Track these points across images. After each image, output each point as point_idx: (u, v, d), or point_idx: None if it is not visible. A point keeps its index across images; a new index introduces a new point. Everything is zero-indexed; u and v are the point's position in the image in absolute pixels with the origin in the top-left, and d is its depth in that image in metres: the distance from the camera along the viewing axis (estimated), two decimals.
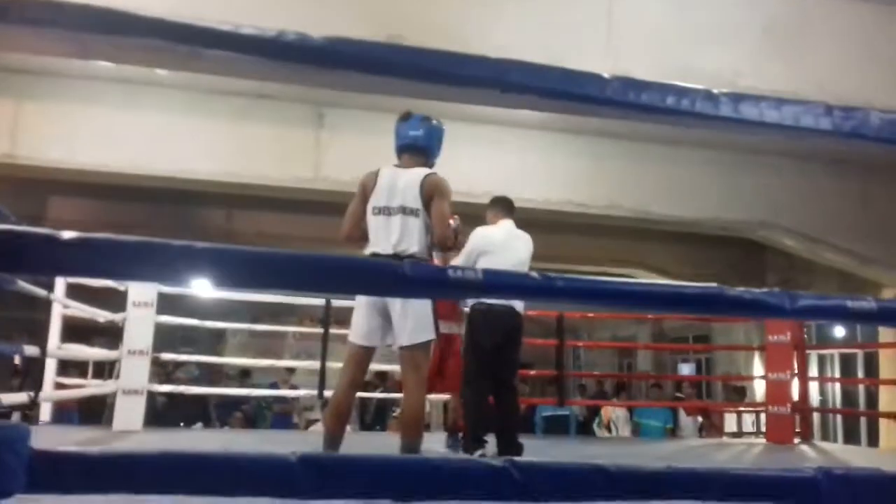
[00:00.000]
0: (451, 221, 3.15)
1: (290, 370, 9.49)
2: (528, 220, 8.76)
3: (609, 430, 8.43)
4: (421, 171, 3.15)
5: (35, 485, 0.93)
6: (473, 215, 9.05)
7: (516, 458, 1.11)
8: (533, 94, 1.17)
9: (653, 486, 1.14)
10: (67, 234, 1.00)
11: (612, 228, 9.36)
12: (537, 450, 4.66)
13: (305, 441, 4.24)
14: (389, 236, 3.03)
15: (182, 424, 7.21)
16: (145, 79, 6.76)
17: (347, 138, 7.39)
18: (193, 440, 5.48)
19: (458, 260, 4.13)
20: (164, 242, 1.13)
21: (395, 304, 2.97)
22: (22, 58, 6.37)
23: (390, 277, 1.13)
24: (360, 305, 3.07)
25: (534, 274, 1.18)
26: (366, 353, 3.11)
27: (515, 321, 4.17)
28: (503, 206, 4.57)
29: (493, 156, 7.74)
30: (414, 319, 2.96)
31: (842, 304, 1.30)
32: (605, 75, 1.19)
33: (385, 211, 3.07)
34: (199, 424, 7.75)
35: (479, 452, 4.01)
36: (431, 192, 3.08)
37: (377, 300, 2.98)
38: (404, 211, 3.05)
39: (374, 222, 3.09)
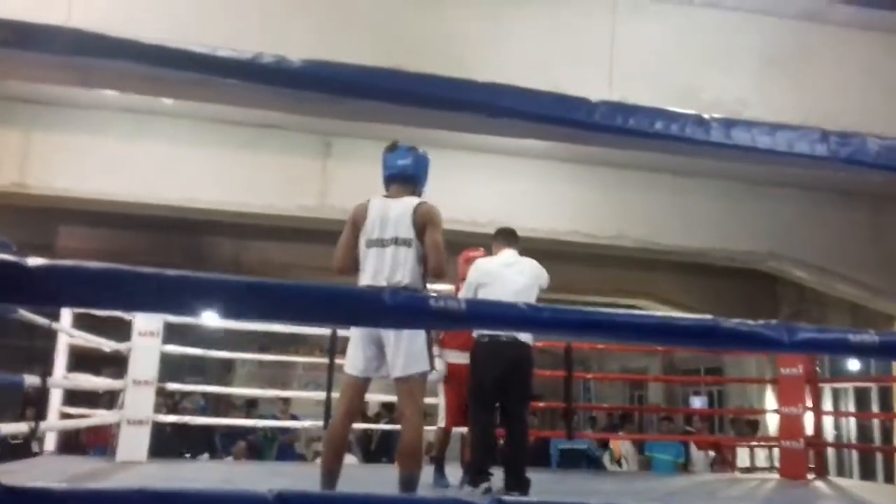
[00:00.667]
0: None
1: (286, 401, 9.44)
2: (534, 249, 8.71)
3: (620, 464, 8.29)
4: (412, 201, 3.15)
5: None
6: (478, 244, 9.08)
7: (505, 498, 1.06)
8: (521, 119, 1.15)
9: None
10: (64, 263, 0.97)
11: (620, 259, 9.31)
12: (546, 484, 4.57)
13: (307, 474, 4.17)
14: (383, 269, 3.02)
15: (188, 455, 7.14)
16: (153, 108, 6.82)
17: (354, 167, 7.41)
18: (196, 471, 5.42)
19: (461, 294, 4.18)
20: (153, 272, 1.10)
21: (389, 335, 2.96)
22: (31, 88, 6.45)
23: (371, 307, 1.10)
24: (355, 336, 3.08)
25: (520, 304, 1.14)
26: (362, 384, 3.09)
27: (520, 352, 4.07)
28: (504, 236, 4.59)
29: (498, 185, 7.74)
30: (407, 350, 2.94)
31: (843, 338, 1.25)
32: (593, 99, 1.17)
33: (378, 243, 3.07)
34: (206, 455, 7.68)
35: (483, 486, 3.96)
36: (424, 222, 3.07)
37: (371, 331, 2.96)
38: (397, 242, 3.05)
39: (367, 255, 3.09)
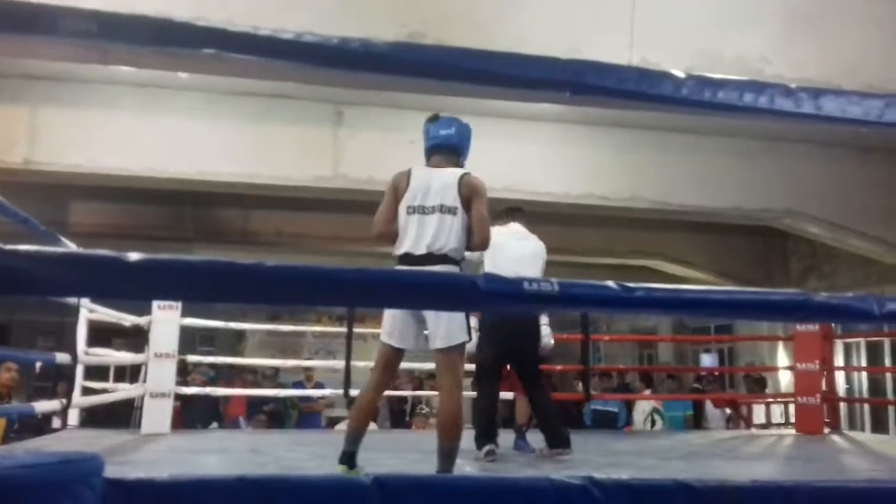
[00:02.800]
0: None
1: (309, 369, 9.51)
2: (549, 213, 8.75)
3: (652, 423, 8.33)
4: (456, 171, 3.14)
5: None
6: (492, 210, 9.00)
7: (595, 476, 1.07)
8: (605, 96, 1.13)
9: (738, 502, 1.10)
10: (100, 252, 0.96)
11: (633, 220, 9.28)
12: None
13: (329, 440, 4.22)
14: (424, 236, 3.00)
15: (199, 425, 7.22)
16: (163, 82, 6.75)
17: (366, 136, 7.36)
18: (222, 441, 5.48)
19: None
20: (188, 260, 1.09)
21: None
22: (38, 64, 6.38)
23: (463, 291, 1.09)
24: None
25: (612, 284, 1.14)
26: (397, 355, 3.09)
27: (518, 322, 4.30)
28: (510, 211, 4.85)
29: (511, 150, 7.68)
30: (448, 321, 2.91)
31: None
32: (680, 74, 1.15)
33: (420, 210, 3.05)
34: (215, 424, 7.77)
35: (486, 448, 4.13)
36: (470, 194, 3.06)
37: None
38: (442, 209, 3.03)
39: (408, 222, 3.06)
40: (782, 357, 10.09)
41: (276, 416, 8.75)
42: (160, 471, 1.04)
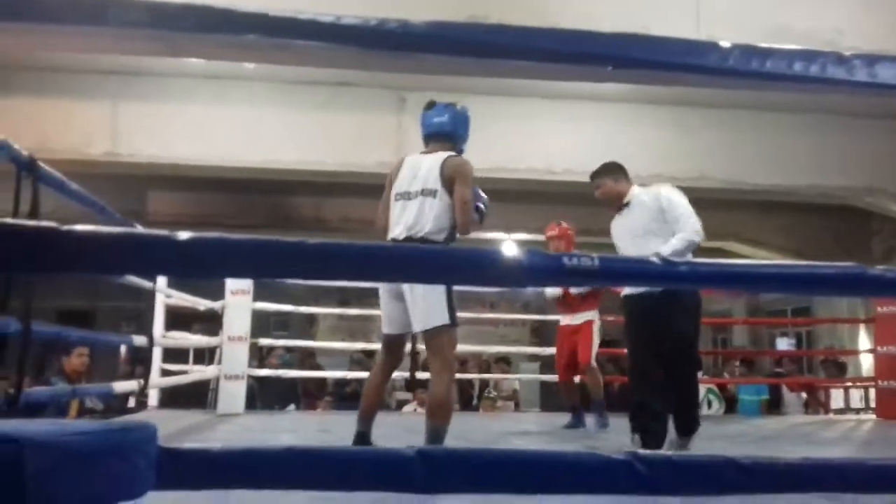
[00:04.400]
0: (479, 203, 3.19)
1: (370, 353, 9.61)
2: None
3: (709, 405, 8.18)
4: (442, 154, 3.14)
5: (164, 483, 0.95)
6: (553, 192, 8.95)
7: (640, 451, 1.06)
8: (650, 69, 1.11)
9: (789, 480, 1.08)
10: (183, 235, 1.00)
11: (703, 200, 9.03)
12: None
13: (393, 422, 4.28)
14: (405, 220, 3.03)
15: (277, 407, 7.42)
16: (233, 73, 6.94)
17: None
18: (293, 422, 5.64)
19: (698, 226, 3.57)
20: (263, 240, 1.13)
21: (407, 290, 2.97)
22: (116, 59, 6.64)
23: (506, 268, 1.10)
24: (382, 293, 3.12)
25: (653, 258, 1.12)
26: (395, 340, 3.14)
27: (645, 303, 3.58)
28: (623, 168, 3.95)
29: (574, 131, 7.59)
30: (425, 304, 2.93)
31: None
32: (725, 44, 1.12)
33: (405, 196, 3.09)
34: (292, 406, 7.96)
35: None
36: (452, 175, 3.05)
37: (394, 286, 2.99)
38: (423, 193, 3.04)
39: (394, 208, 3.11)
40: (864, 340, 9.69)
41: (359, 397, 8.89)
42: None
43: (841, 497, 2.44)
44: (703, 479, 1.06)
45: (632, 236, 3.69)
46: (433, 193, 3.02)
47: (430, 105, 3.34)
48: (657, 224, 3.60)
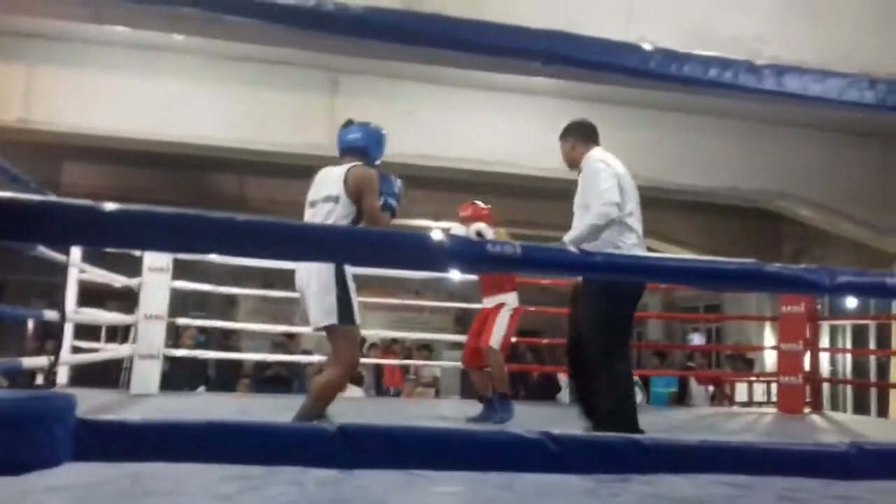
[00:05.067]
0: (389, 199, 3.40)
1: (291, 336, 9.55)
2: (546, 189, 8.76)
3: None
4: (347, 165, 3.31)
5: (82, 454, 0.95)
6: (485, 183, 9.01)
7: (553, 431, 1.11)
8: (574, 66, 1.15)
9: (687, 460, 1.15)
10: (108, 206, 0.99)
11: None
12: (560, 420, 4.69)
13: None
14: None
15: (186, 388, 7.27)
16: (161, 44, 6.73)
17: (363, 104, 7.34)
18: (208, 403, 5.55)
19: (606, 200, 3.33)
20: (190, 213, 1.13)
21: (305, 289, 3.19)
22: (34, 22, 6.35)
23: (428, 251, 1.13)
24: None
25: (573, 249, 1.18)
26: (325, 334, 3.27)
27: (577, 285, 3.60)
28: (592, 131, 3.75)
29: (506, 123, 7.69)
30: (316, 303, 3.14)
31: (880, 281, 1.29)
32: (647, 47, 1.18)
33: (311, 204, 3.32)
34: (202, 388, 7.84)
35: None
36: (358, 186, 3.22)
37: (299, 285, 3.23)
38: (326, 199, 3.24)
39: (305, 217, 3.34)
40: (769, 337, 10.19)
41: (282, 379, 8.79)
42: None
43: (737, 479, 2.60)
44: (611, 459, 1.12)
45: (575, 210, 3.53)
46: (335, 199, 3.21)
47: (347, 123, 3.53)
48: (583, 199, 3.45)
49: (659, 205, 9.80)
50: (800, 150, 8.02)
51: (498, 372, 4.54)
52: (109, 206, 0.97)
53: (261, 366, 8.59)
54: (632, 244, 3.40)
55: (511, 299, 4.68)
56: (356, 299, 3.20)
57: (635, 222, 3.45)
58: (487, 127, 7.69)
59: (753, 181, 8.14)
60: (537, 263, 1.19)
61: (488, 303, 4.76)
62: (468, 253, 1.15)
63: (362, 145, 3.42)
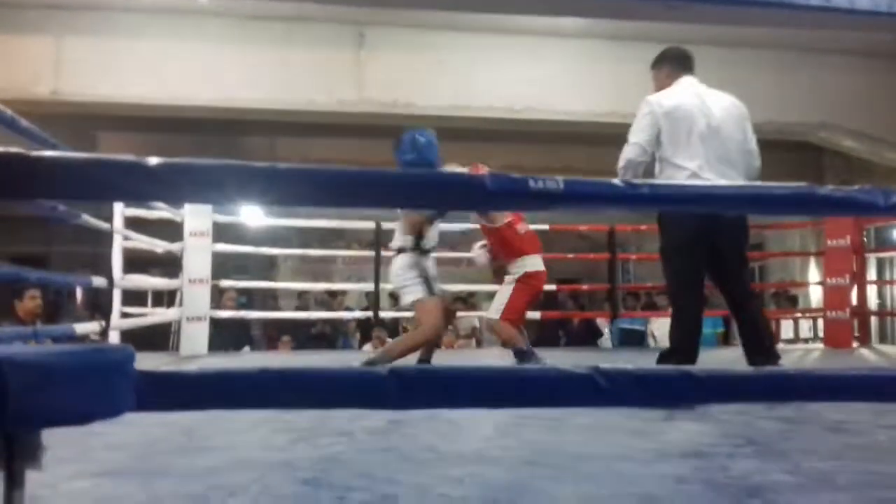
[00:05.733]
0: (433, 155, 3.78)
1: (333, 294, 9.67)
2: (572, 133, 8.64)
3: (654, 339, 8.43)
4: None
5: (143, 404, 0.98)
6: (513, 131, 8.91)
7: (602, 365, 1.11)
8: None
9: (738, 389, 1.15)
10: (153, 161, 1.00)
11: None
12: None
13: (354, 360, 4.34)
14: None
15: (231, 349, 7.42)
16: (185, 8, 6.73)
17: (389, 57, 7.29)
18: (256, 362, 5.67)
19: (630, 140, 3.25)
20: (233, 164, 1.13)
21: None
22: None
23: (470, 191, 1.12)
24: None
25: (616, 182, 1.16)
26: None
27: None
28: (679, 60, 3.48)
29: (532, 68, 7.55)
30: (396, 284, 4.01)
31: None
32: None
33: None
34: (247, 348, 7.99)
35: None
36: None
37: None
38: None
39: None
40: (814, 274, 10.02)
41: (326, 337, 8.94)
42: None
43: (787, 414, 2.58)
44: (661, 391, 1.12)
45: None
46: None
47: (397, 144, 3.82)
48: None
49: None
50: (840, 78, 7.76)
51: (506, 337, 4.30)
52: (153, 160, 0.98)
53: (305, 324, 8.74)
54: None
55: (516, 267, 4.30)
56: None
57: (688, 157, 3.15)
58: (515, 73, 7.57)
59: (793, 113, 7.92)
60: (580, 198, 1.18)
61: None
62: (510, 190, 1.14)
63: (421, 159, 3.68)
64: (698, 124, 3.21)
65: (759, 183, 1.27)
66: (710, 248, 3.20)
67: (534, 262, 4.31)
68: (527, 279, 4.24)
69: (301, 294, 10.92)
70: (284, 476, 1.79)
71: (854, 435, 2.36)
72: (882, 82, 7.79)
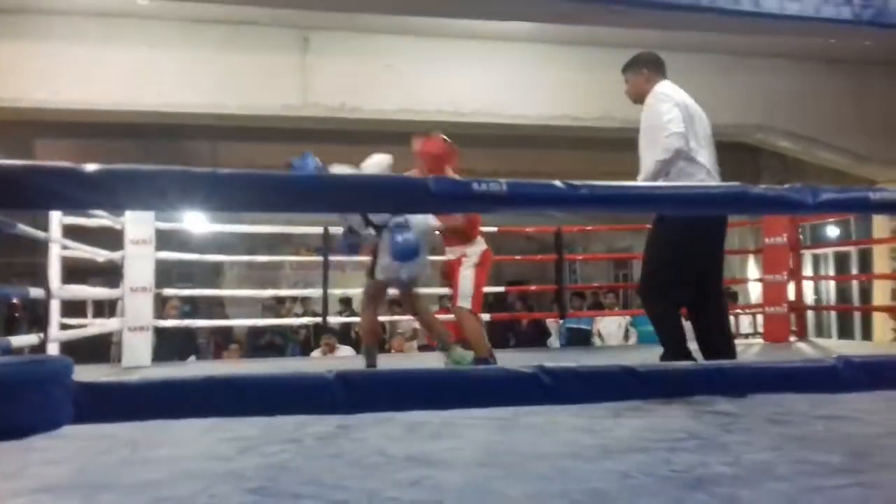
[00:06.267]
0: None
1: (281, 300, 9.57)
2: (521, 136, 8.73)
3: (601, 338, 8.56)
4: None
5: (81, 416, 0.95)
6: (462, 135, 8.98)
7: (546, 364, 1.13)
8: None
9: (680, 384, 1.18)
10: (90, 168, 0.98)
11: (603, 140, 9.29)
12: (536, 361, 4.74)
13: (308, 367, 4.29)
14: None
15: (176, 359, 7.27)
16: (125, 11, 6.57)
17: (335, 61, 7.25)
18: (202, 372, 5.56)
19: (670, 131, 3.14)
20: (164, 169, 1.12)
21: None
22: None
23: (414, 194, 1.13)
24: None
25: (558, 183, 1.18)
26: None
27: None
28: (660, 65, 3.50)
29: (482, 72, 7.61)
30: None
31: (863, 196, 1.31)
32: None
33: None
34: (193, 357, 7.84)
35: None
36: None
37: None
38: None
39: None
40: (753, 271, 10.31)
41: (276, 346, 8.83)
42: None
43: (728, 408, 2.66)
44: (605, 387, 1.14)
45: (640, 153, 3.33)
46: None
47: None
48: (648, 135, 3.25)
49: (635, 145, 9.80)
50: (775, 81, 8.01)
51: (472, 335, 4.15)
52: (91, 166, 0.96)
53: (254, 333, 8.60)
54: (700, 180, 3.14)
55: (473, 250, 4.28)
56: None
57: (704, 157, 3.21)
58: (462, 77, 7.61)
59: (730, 115, 8.13)
60: (524, 200, 1.19)
61: (451, 253, 4.42)
62: (453, 192, 1.14)
63: None
64: (704, 123, 3.28)
65: (694, 183, 1.31)
66: (710, 239, 3.25)
67: (482, 241, 4.38)
68: (483, 261, 4.29)
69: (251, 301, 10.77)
70: (231, 486, 1.76)
71: (792, 426, 2.44)
72: (812, 84, 8.08)
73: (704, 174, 3.17)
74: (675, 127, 3.08)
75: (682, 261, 3.18)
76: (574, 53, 7.71)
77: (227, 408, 1.06)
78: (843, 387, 1.25)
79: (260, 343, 8.53)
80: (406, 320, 8.87)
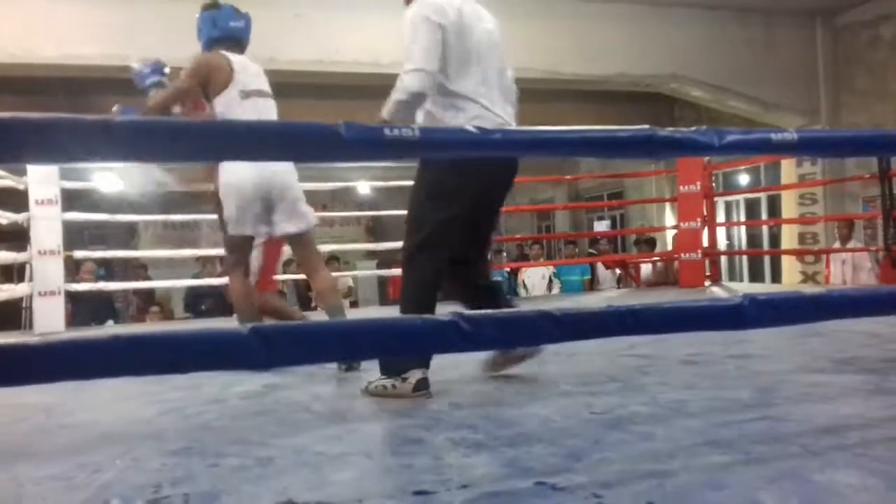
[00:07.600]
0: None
1: (205, 261, 9.33)
2: None
3: (526, 289, 8.73)
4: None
5: None
6: (380, 86, 8.81)
7: (465, 311, 1.13)
8: None
9: (596, 325, 1.20)
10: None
11: (525, 91, 9.31)
12: None
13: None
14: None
15: (93, 324, 7.04)
16: None
17: (243, 9, 6.96)
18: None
19: (414, 65, 2.39)
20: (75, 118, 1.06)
21: (283, 192, 3.20)
22: None
23: (325, 140, 1.10)
24: None
25: (471, 128, 1.17)
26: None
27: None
28: None
29: (388, 21, 7.46)
30: (295, 209, 3.21)
31: (766, 137, 1.35)
32: None
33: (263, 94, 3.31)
34: (111, 322, 7.61)
35: (415, 378, 2.40)
36: None
37: (267, 189, 3.13)
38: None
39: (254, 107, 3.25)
40: (670, 218, 10.64)
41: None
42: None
43: (644, 351, 2.75)
44: (522, 332, 1.16)
45: None
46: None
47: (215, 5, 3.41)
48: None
49: (556, 96, 9.89)
50: (687, 30, 8.17)
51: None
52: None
53: (193, 297, 8.34)
54: (472, 118, 2.29)
55: None
56: None
57: (472, 85, 2.46)
58: (380, 27, 7.43)
59: (645, 66, 8.27)
60: (435, 145, 1.18)
61: None
62: (366, 138, 1.12)
63: (225, 34, 3.34)
64: (492, 46, 2.59)
65: (603, 127, 1.32)
66: (483, 190, 2.45)
67: None
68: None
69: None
70: (153, 448, 1.73)
71: (704, 366, 2.55)
72: (723, 34, 8.28)
73: (478, 109, 2.41)
74: (419, 60, 2.34)
75: (457, 215, 2.36)
76: (491, 3, 7.64)
77: (136, 366, 1.02)
78: (749, 323, 1.30)
79: (201, 308, 8.29)
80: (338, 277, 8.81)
